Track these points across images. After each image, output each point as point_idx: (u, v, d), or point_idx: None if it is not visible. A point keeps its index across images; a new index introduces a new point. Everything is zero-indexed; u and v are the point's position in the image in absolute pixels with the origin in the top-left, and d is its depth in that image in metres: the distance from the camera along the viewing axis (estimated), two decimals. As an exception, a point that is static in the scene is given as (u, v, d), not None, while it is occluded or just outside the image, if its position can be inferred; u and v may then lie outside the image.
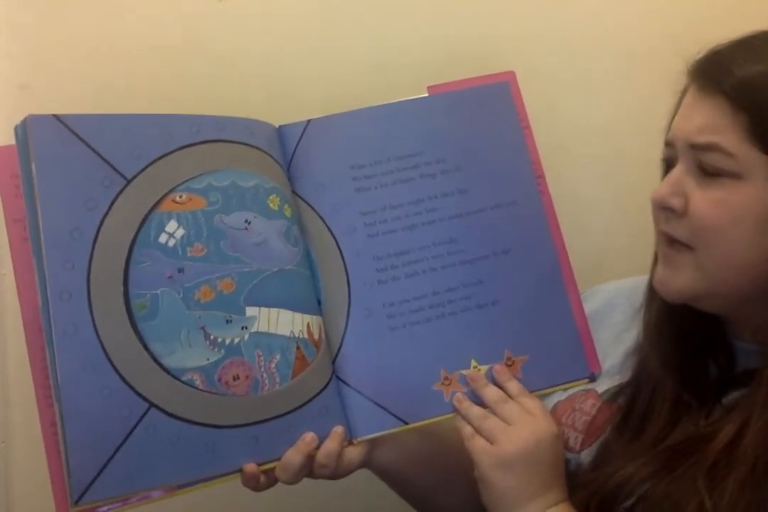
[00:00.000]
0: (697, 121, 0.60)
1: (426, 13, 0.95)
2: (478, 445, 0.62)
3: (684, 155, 0.61)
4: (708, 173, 0.59)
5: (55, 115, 0.57)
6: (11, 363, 0.86)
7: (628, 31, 0.99)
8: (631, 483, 0.58)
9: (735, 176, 0.58)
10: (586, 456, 0.66)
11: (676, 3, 1.00)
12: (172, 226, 0.60)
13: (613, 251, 0.96)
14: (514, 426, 0.62)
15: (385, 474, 0.71)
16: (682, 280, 0.61)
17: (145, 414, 0.57)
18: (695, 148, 0.60)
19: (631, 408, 0.65)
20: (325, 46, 0.93)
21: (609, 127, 0.99)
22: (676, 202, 0.61)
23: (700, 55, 0.63)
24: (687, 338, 0.66)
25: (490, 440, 0.61)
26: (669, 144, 0.63)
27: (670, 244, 0.62)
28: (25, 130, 0.56)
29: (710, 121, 0.59)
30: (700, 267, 0.60)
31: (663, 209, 0.62)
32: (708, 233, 0.59)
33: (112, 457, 0.56)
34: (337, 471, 0.64)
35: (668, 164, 0.65)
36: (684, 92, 0.64)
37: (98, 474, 0.55)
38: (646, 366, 0.67)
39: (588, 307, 0.71)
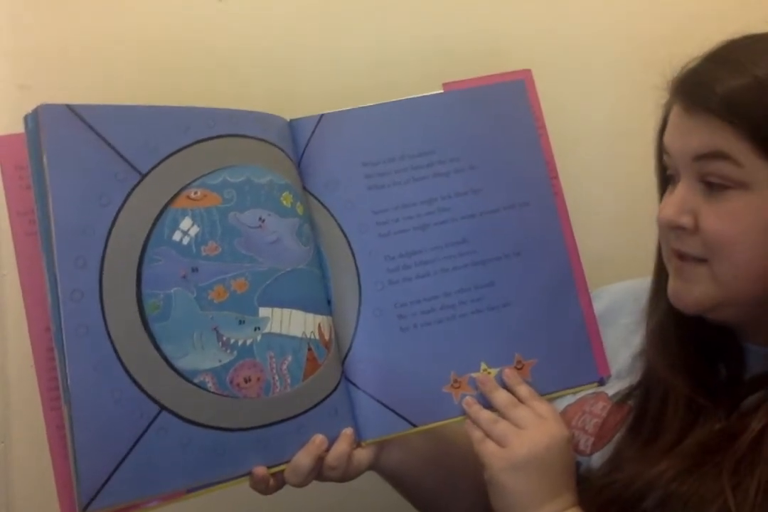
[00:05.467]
0: (694, 136, 0.60)
1: (435, 9, 0.94)
2: (488, 449, 0.61)
3: (686, 171, 0.61)
4: (713, 187, 0.60)
5: (67, 105, 0.55)
6: (12, 362, 0.83)
7: (631, 32, 0.99)
8: (656, 485, 0.58)
9: (742, 186, 0.58)
10: (596, 458, 0.66)
11: (680, 3, 1.00)
12: (186, 223, 0.58)
13: (615, 251, 0.97)
14: (525, 429, 0.61)
15: (392, 476, 0.70)
16: (699, 292, 0.62)
17: (156, 417, 0.55)
18: (702, 159, 0.60)
19: (643, 413, 0.65)
20: (331, 45, 0.92)
21: (611, 127, 0.99)
22: (685, 221, 0.61)
23: (677, 75, 0.63)
24: (692, 344, 0.67)
25: (500, 444, 0.61)
26: (668, 153, 0.63)
27: (681, 258, 0.63)
28: (36, 120, 0.54)
29: (708, 134, 0.59)
30: (716, 279, 0.61)
31: (673, 229, 0.62)
32: (722, 246, 0.60)
33: (122, 462, 0.54)
34: (346, 474, 0.63)
35: (665, 178, 0.65)
36: (667, 106, 0.65)
37: (107, 480, 0.53)
38: (653, 375, 0.67)
39: (595, 308, 0.71)
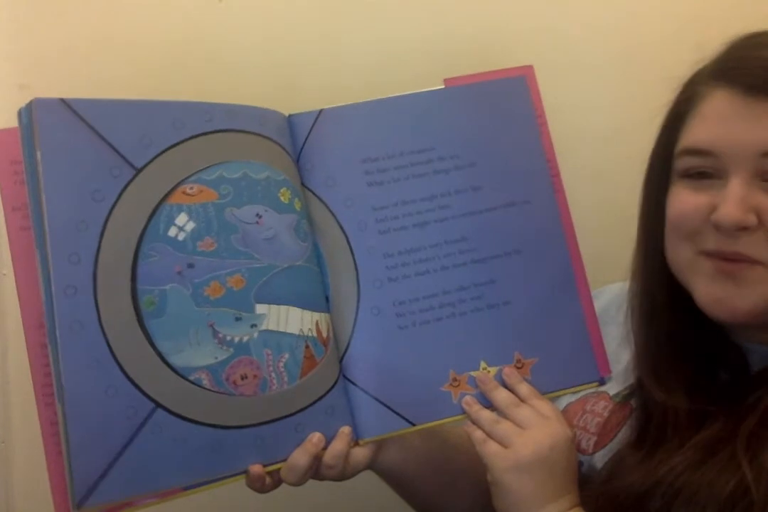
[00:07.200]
0: (762, 128, 0.55)
1: (436, 6, 0.94)
2: (491, 449, 0.60)
3: (742, 166, 0.56)
4: None
5: (62, 99, 0.54)
6: (11, 363, 0.84)
7: (632, 30, 0.98)
8: (664, 482, 0.56)
9: None
10: (599, 458, 0.65)
11: (681, 3, 0.99)
12: (182, 218, 0.57)
13: (616, 251, 0.95)
14: (528, 429, 0.60)
15: (390, 476, 0.69)
16: (756, 298, 0.57)
17: (150, 414, 0.55)
18: None
19: (646, 417, 0.63)
20: (332, 43, 0.93)
21: (612, 125, 0.98)
22: (751, 220, 0.56)
23: (720, 62, 0.60)
24: (687, 358, 0.64)
25: (503, 444, 0.60)
26: (706, 154, 0.58)
27: (730, 261, 0.58)
28: (30, 114, 0.53)
29: None
30: None
31: (736, 230, 0.57)
32: None
33: (116, 459, 0.53)
34: (344, 473, 0.63)
35: (677, 175, 0.61)
36: (692, 98, 0.61)
37: (101, 477, 0.53)
38: (648, 394, 0.64)
39: (595, 308, 0.70)
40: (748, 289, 0.57)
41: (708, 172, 0.59)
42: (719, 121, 0.58)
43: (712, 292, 0.59)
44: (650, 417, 0.63)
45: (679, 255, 0.62)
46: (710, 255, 0.59)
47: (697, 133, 0.60)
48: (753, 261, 0.57)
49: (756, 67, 0.57)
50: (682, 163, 0.61)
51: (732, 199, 0.57)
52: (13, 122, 0.55)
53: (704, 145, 0.59)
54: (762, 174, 0.57)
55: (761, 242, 0.57)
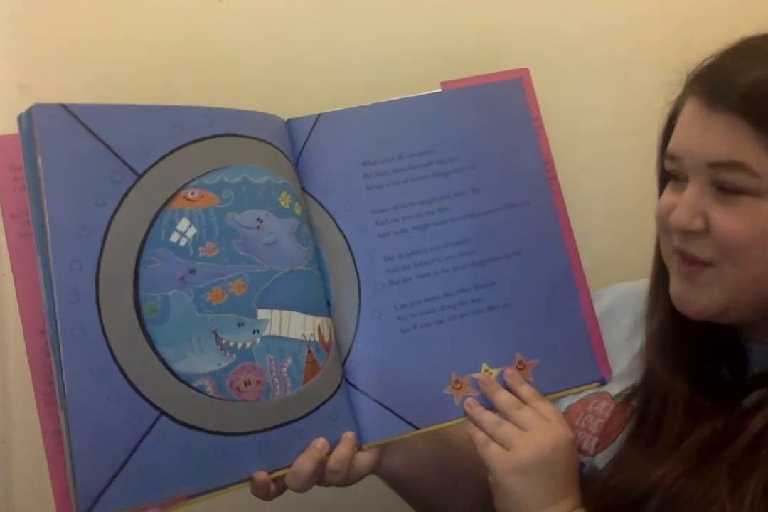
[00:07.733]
0: (712, 139, 0.57)
1: (433, 8, 0.94)
2: (492, 451, 0.60)
3: (697, 173, 0.59)
4: (725, 190, 0.58)
5: (62, 104, 0.53)
6: (11, 363, 0.83)
7: (631, 31, 0.98)
8: (659, 487, 0.57)
9: (755, 194, 0.57)
10: (600, 459, 0.65)
11: (680, 3, 0.99)
12: (183, 224, 0.57)
13: (615, 252, 0.96)
14: (530, 432, 0.61)
15: (393, 480, 0.69)
16: (708, 298, 0.60)
17: (155, 422, 0.54)
18: (715, 166, 0.57)
19: (645, 415, 0.64)
20: (330, 45, 0.92)
21: (611, 126, 0.98)
22: (697, 224, 0.59)
23: (696, 69, 0.61)
24: (693, 345, 0.65)
25: (505, 446, 0.60)
26: (674, 158, 0.61)
27: (688, 261, 0.61)
28: (30, 119, 0.53)
29: (729, 140, 0.56)
30: (727, 283, 0.59)
31: (683, 232, 0.60)
32: (735, 249, 0.58)
33: (121, 469, 0.53)
34: (348, 478, 0.62)
35: (669, 176, 0.63)
36: (679, 102, 0.62)
37: (106, 487, 0.52)
38: (653, 376, 0.65)
39: (597, 308, 0.70)
40: (699, 289, 0.60)
41: (680, 176, 0.61)
42: (683, 128, 0.61)
43: (677, 291, 0.63)
44: (650, 409, 0.64)
45: (663, 249, 0.65)
46: (677, 253, 0.62)
47: (673, 137, 0.62)
48: (702, 264, 0.60)
49: (718, 79, 0.58)
50: (665, 165, 0.63)
51: (681, 204, 0.60)
52: (12, 122, 0.55)
53: (672, 150, 0.61)
54: (714, 182, 0.58)
55: (707, 246, 0.59)
